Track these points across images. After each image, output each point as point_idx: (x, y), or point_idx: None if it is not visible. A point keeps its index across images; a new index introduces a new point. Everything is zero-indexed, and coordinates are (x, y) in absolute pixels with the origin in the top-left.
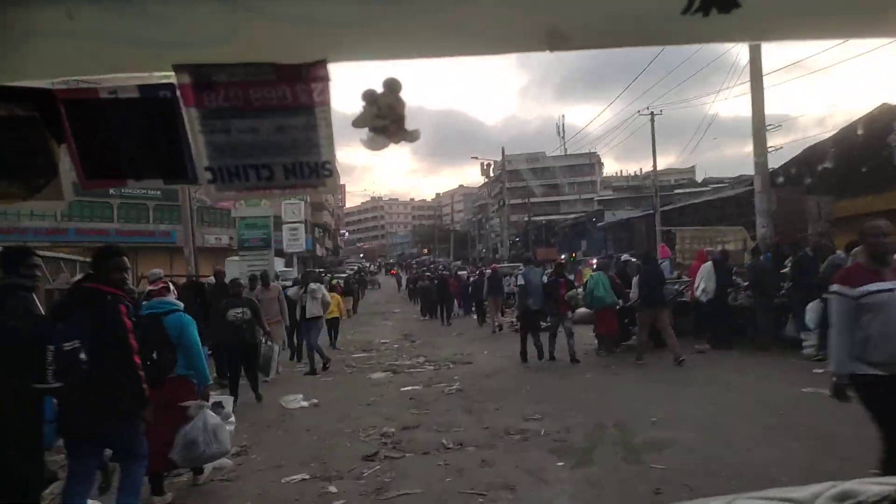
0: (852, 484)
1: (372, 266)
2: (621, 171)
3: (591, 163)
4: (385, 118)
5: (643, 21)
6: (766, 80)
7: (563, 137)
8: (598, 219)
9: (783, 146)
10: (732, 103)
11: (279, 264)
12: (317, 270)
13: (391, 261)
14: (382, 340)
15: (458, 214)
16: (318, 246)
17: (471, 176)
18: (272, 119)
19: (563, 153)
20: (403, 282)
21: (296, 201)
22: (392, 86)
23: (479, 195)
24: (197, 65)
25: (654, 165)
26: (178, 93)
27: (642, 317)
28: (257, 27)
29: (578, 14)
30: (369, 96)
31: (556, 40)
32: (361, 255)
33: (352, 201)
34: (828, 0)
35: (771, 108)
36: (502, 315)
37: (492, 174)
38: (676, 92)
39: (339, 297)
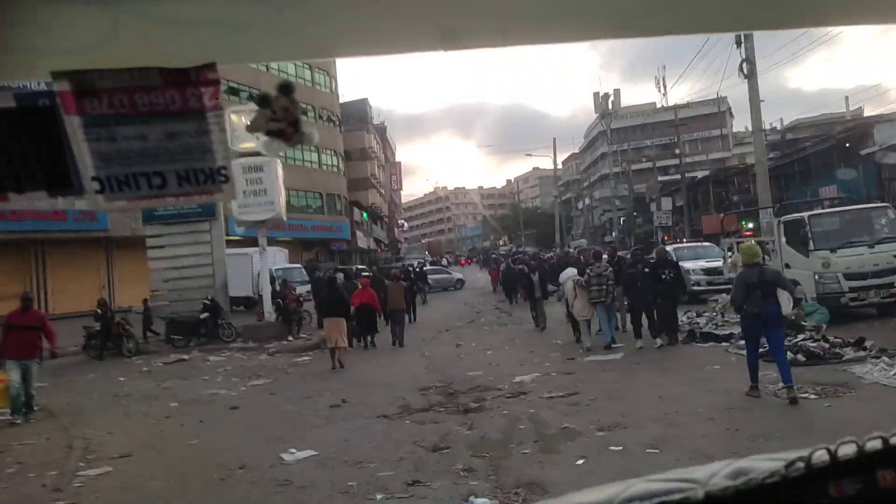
0: (746, 461)
1: (443, 260)
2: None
3: (721, 111)
4: (280, 121)
5: (534, 19)
6: None
7: (665, 90)
8: (863, 140)
9: None
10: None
11: (270, 258)
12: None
13: (459, 255)
14: None
15: (534, 200)
16: (358, 234)
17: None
18: (161, 125)
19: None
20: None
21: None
22: (286, 89)
23: (565, 172)
24: (77, 71)
25: None
26: (58, 100)
27: None
28: (139, 30)
29: (468, 14)
30: (264, 100)
31: (448, 39)
32: (426, 252)
33: (411, 189)
34: None
35: None
36: None
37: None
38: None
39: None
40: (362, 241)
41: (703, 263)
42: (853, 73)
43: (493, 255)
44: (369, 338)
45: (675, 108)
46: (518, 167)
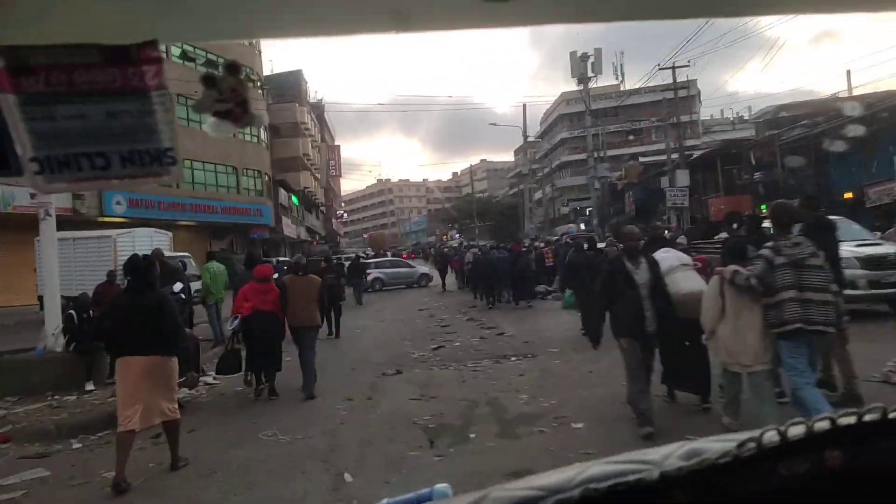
0: (699, 442)
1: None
2: (721, 113)
3: (690, 95)
4: (227, 102)
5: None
6: None
7: (623, 77)
8: None
9: None
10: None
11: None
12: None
13: (402, 250)
14: None
15: (483, 194)
16: (285, 220)
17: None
18: (102, 104)
19: (625, 98)
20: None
21: None
22: (234, 69)
23: (517, 164)
24: (10, 46)
25: None
26: None
27: None
28: (76, 5)
29: None
30: (209, 80)
31: (400, 21)
32: (367, 247)
33: (354, 185)
34: None
35: None
36: None
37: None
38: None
39: None
40: (290, 230)
41: (868, 250)
42: (786, 79)
43: (445, 249)
44: (264, 378)
45: (673, 69)
46: (463, 164)
